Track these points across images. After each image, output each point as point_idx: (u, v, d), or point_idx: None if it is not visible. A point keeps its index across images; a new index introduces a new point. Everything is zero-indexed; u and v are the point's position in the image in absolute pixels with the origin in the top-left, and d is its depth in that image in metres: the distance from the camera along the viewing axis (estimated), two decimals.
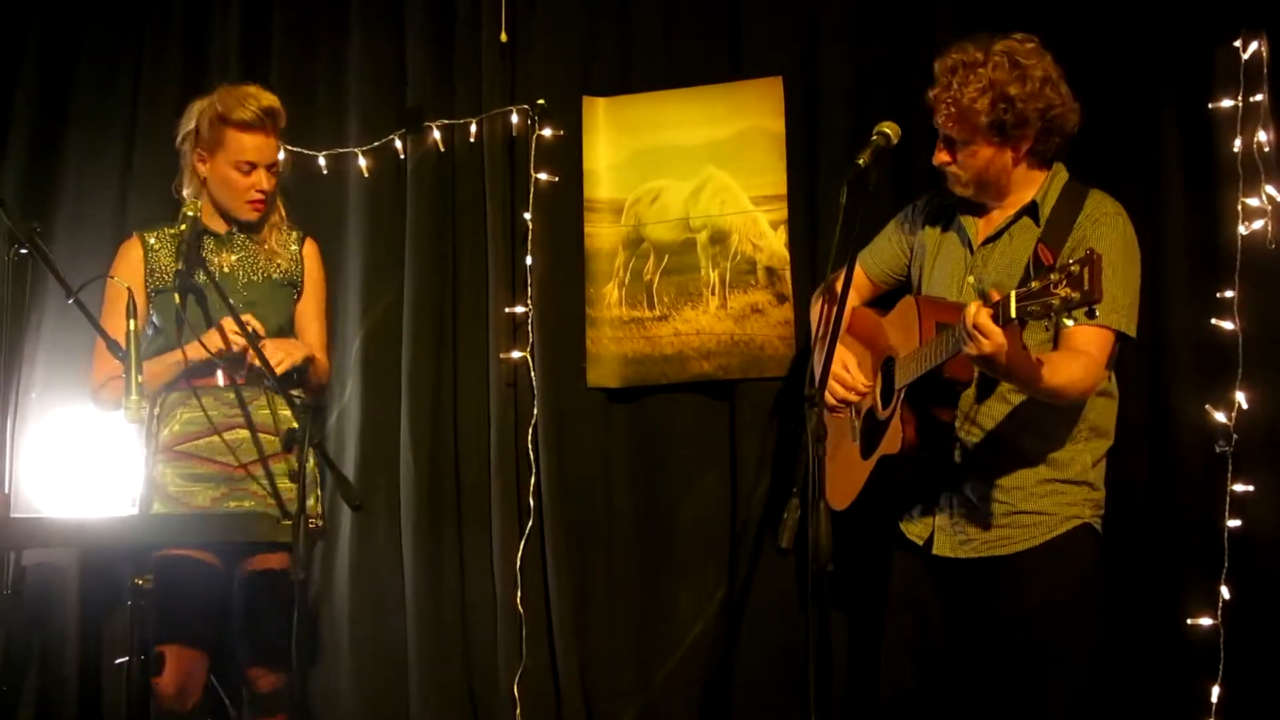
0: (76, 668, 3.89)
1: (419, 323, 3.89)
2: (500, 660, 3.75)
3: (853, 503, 2.92)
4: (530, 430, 3.79)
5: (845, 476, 2.94)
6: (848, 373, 2.88)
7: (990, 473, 2.74)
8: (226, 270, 3.16)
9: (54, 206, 4.12)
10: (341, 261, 3.99)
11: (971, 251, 2.83)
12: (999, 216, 2.83)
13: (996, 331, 2.38)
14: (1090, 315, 2.25)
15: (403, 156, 3.95)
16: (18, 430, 2.89)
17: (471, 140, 3.91)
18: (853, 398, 2.89)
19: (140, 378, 2.74)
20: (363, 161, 3.96)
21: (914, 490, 2.86)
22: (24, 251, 2.77)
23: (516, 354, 3.82)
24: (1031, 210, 2.77)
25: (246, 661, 3.10)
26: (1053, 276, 2.27)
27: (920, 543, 2.83)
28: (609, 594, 3.78)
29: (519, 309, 3.83)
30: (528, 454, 3.79)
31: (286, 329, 3.21)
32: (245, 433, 3.07)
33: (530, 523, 3.77)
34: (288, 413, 3.08)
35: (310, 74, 4.09)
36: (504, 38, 3.88)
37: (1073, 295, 2.22)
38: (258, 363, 2.93)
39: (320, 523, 3.22)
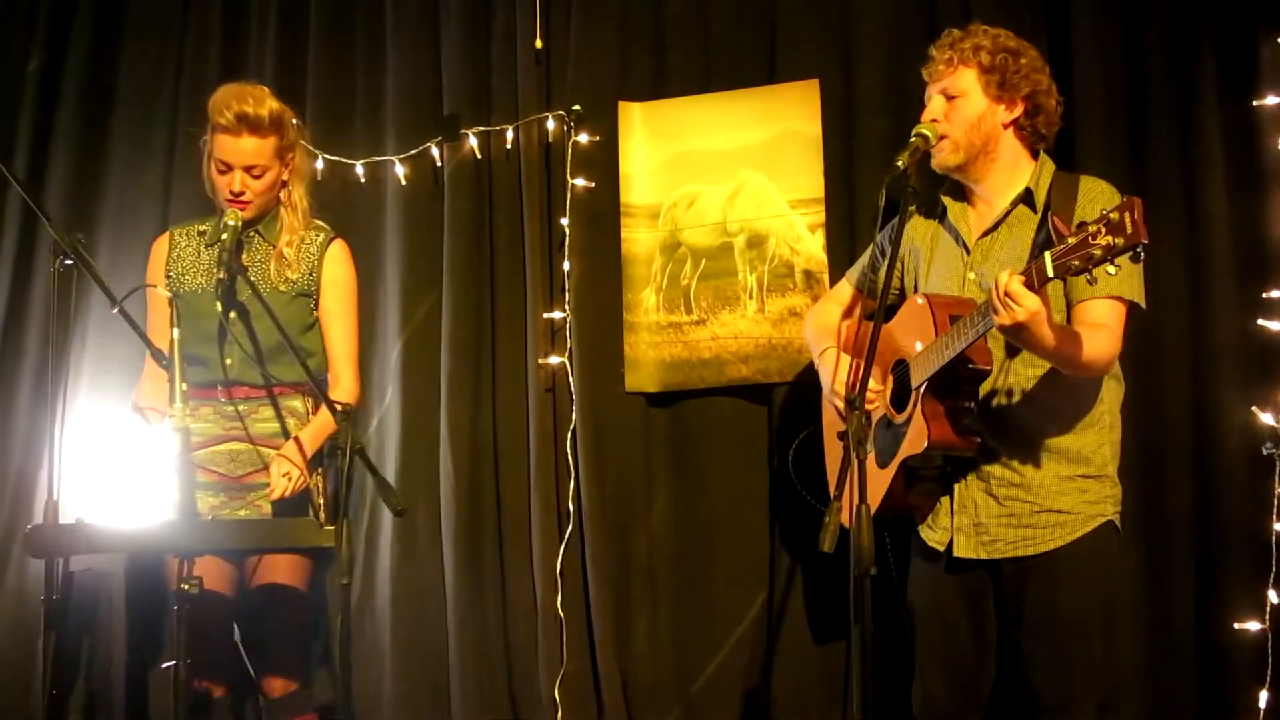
0: (124, 672, 3.93)
1: (457, 329, 3.91)
2: (541, 664, 3.76)
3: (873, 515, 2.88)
4: (569, 435, 3.80)
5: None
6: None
7: (1014, 469, 2.72)
8: None
9: (98, 217, 4.18)
10: (380, 270, 4.01)
11: (967, 250, 2.83)
12: (988, 211, 2.83)
13: (1030, 296, 2.39)
14: (1135, 259, 2.26)
15: (440, 164, 3.97)
16: (64, 438, 2.93)
17: (508, 147, 3.93)
18: (869, 406, 2.83)
19: (184, 387, 2.79)
20: (400, 170, 3.98)
21: (932, 494, 2.83)
22: (69, 262, 2.81)
23: (555, 359, 3.83)
24: (1027, 198, 2.78)
25: (257, 671, 3.13)
26: (1090, 228, 2.28)
27: (941, 548, 2.79)
28: (649, 598, 3.78)
29: (557, 315, 3.84)
30: (567, 459, 3.80)
31: (297, 337, 3.15)
32: (242, 445, 3.10)
33: (570, 527, 3.78)
34: (277, 426, 3.12)
35: (347, 84, 4.11)
36: (539, 44, 3.89)
37: (1116, 241, 2.24)
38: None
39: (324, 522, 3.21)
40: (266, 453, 3.09)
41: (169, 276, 3.18)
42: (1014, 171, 2.80)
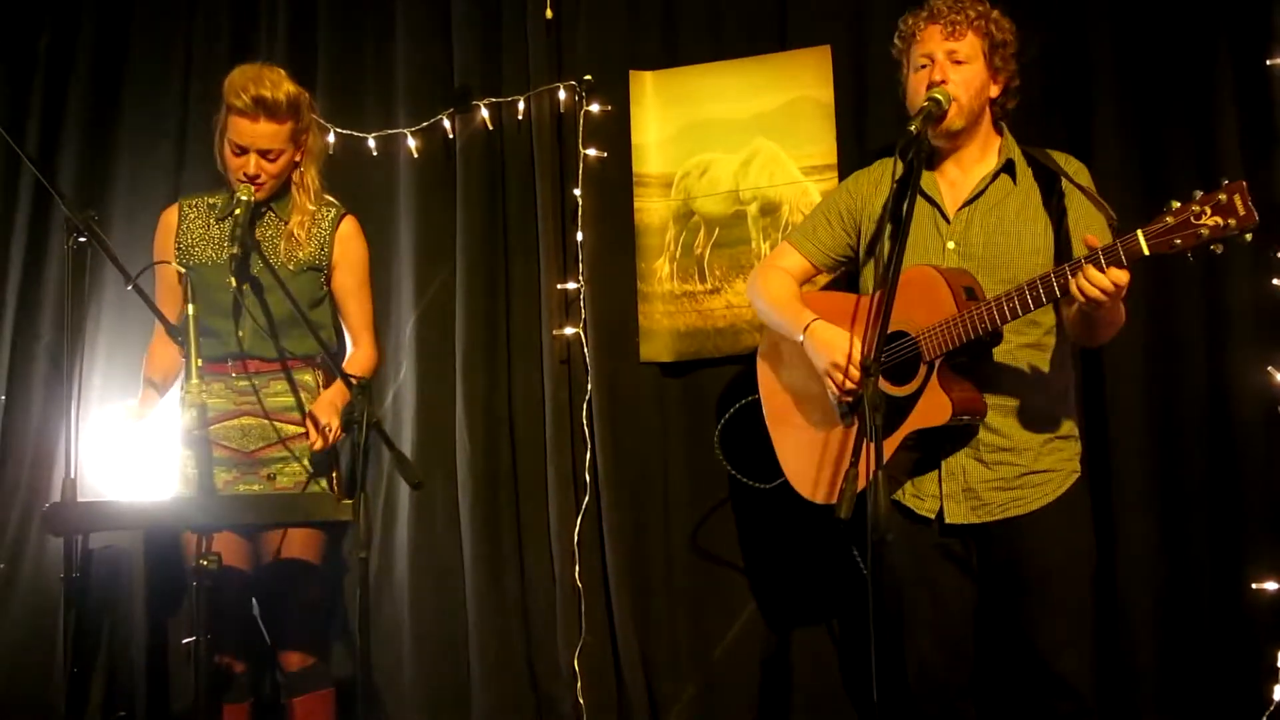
0: (144, 648, 3.96)
1: (471, 301, 3.91)
2: (560, 635, 3.77)
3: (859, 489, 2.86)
4: (585, 406, 3.80)
5: (838, 466, 2.91)
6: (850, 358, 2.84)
7: (1002, 434, 2.76)
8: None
9: (110, 194, 4.18)
10: (393, 243, 4.01)
11: (945, 219, 2.83)
12: (962, 180, 2.84)
13: (1123, 274, 2.44)
14: (1241, 240, 2.32)
15: (451, 136, 3.97)
16: (80, 416, 2.94)
17: (519, 118, 3.92)
18: (854, 386, 2.81)
19: (199, 363, 2.79)
20: (412, 142, 3.97)
21: (912, 464, 2.83)
22: (82, 240, 2.82)
23: (569, 330, 3.83)
24: (1009, 169, 2.81)
25: (275, 645, 3.15)
26: (1194, 208, 2.34)
27: (931, 515, 2.80)
28: (666, 568, 3.79)
29: (571, 285, 3.84)
30: (582, 430, 3.81)
31: (311, 311, 3.15)
32: (254, 420, 3.11)
33: (586, 498, 3.79)
34: (291, 400, 3.12)
35: (358, 57, 4.11)
36: (550, 14, 3.88)
37: (1228, 222, 2.31)
38: None
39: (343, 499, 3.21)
40: (279, 427, 3.10)
41: (179, 248, 3.17)
42: (985, 144, 2.85)
